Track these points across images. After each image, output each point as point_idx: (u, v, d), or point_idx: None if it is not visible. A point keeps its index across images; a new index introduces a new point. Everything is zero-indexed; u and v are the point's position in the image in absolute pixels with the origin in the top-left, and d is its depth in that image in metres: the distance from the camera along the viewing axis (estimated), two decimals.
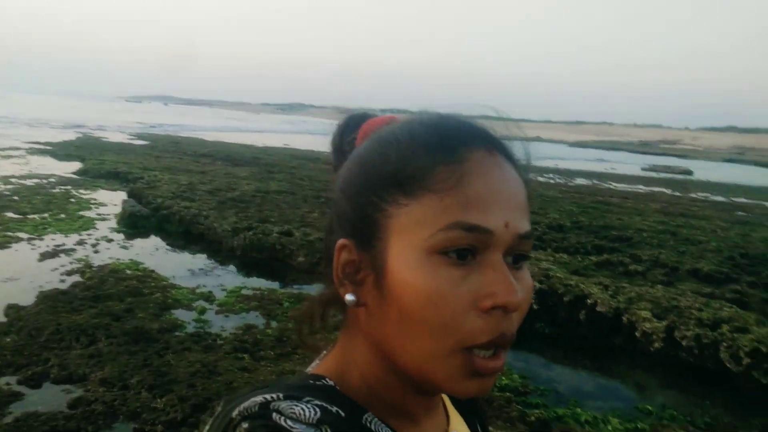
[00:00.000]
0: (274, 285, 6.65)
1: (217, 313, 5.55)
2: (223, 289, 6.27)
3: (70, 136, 25.89)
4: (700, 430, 3.98)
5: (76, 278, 6.15)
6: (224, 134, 37.27)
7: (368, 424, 0.52)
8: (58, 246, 7.44)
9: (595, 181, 22.92)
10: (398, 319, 0.49)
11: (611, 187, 20.78)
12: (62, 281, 6.04)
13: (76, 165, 15.37)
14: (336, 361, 0.57)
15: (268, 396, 0.48)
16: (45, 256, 6.95)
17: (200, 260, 7.49)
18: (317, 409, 0.48)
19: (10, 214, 9.09)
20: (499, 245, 0.49)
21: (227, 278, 6.79)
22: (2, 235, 7.80)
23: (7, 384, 3.90)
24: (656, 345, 5.02)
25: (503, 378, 4.53)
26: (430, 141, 0.51)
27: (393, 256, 0.49)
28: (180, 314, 5.40)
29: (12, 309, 5.14)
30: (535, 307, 5.78)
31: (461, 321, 0.47)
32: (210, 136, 32.09)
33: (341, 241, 0.53)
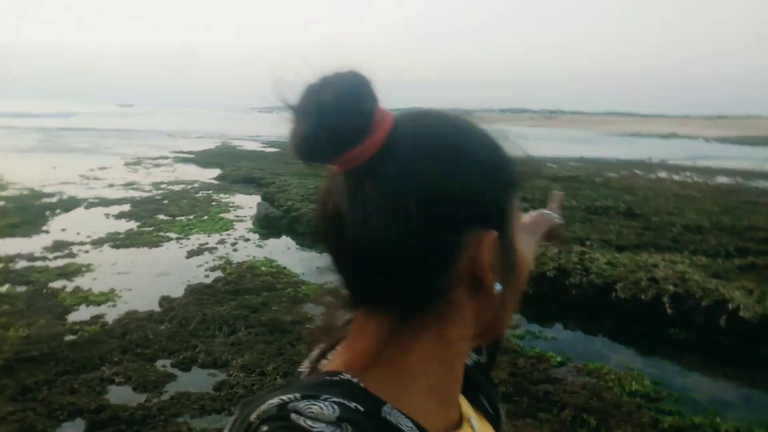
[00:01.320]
0: None
1: None
2: None
3: (210, 145, 28.14)
4: None
5: (218, 274, 6.73)
6: None
7: (387, 417, 0.51)
8: (202, 245, 8.18)
9: (739, 180, 21.01)
10: (515, 291, 0.58)
11: (759, 185, 18.93)
12: (206, 276, 6.65)
13: (216, 171, 16.70)
14: (358, 356, 0.55)
15: (285, 397, 0.49)
16: (191, 253, 7.68)
17: (327, 258, 7.85)
18: (336, 407, 0.48)
19: (161, 216, 10.12)
20: None
21: None
22: (156, 235, 8.72)
23: (163, 366, 4.38)
24: None
25: (633, 383, 4.35)
26: (507, 155, 0.58)
27: (515, 239, 0.57)
28: (310, 308, 5.73)
29: (165, 300, 5.74)
30: (669, 311, 5.47)
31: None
32: None
33: (493, 233, 0.53)
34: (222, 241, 8.45)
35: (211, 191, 13.21)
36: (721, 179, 20.84)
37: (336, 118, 0.48)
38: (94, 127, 43.90)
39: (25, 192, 12.24)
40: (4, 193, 11.93)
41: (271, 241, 8.76)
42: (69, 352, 4.48)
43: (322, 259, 6.56)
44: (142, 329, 4.96)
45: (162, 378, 4.17)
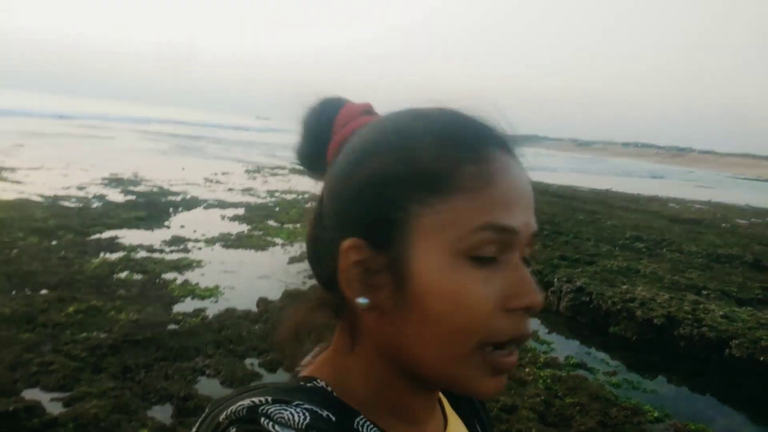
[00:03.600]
0: None
1: None
2: None
3: None
4: None
5: (314, 281, 6.91)
6: None
7: (360, 428, 0.50)
8: (305, 253, 8.44)
9: None
10: (421, 322, 0.48)
11: None
12: (304, 283, 6.82)
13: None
14: (331, 363, 0.55)
15: (256, 399, 0.47)
16: (293, 260, 7.96)
17: None
18: (306, 414, 0.47)
19: (271, 222, 10.61)
20: (521, 245, 0.49)
21: None
22: (264, 239, 9.16)
23: (251, 364, 4.56)
24: None
25: None
26: (455, 138, 0.49)
27: (418, 259, 0.48)
28: None
29: (262, 301, 6.00)
30: None
31: (488, 322, 0.47)
32: None
33: (350, 242, 0.50)
34: None
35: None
36: None
37: (305, 133, 0.60)
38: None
39: (154, 189, 13.34)
40: (137, 189, 13.07)
41: None
42: (169, 340, 4.78)
43: None
44: (237, 327, 5.20)
45: (249, 376, 4.34)
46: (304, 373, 0.56)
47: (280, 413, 0.46)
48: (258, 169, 20.62)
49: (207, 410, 0.50)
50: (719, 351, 5.56)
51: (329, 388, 0.52)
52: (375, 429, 0.51)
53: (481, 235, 0.47)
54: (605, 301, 6.61)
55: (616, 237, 11.42)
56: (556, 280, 7.42)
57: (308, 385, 0.52)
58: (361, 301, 0.50)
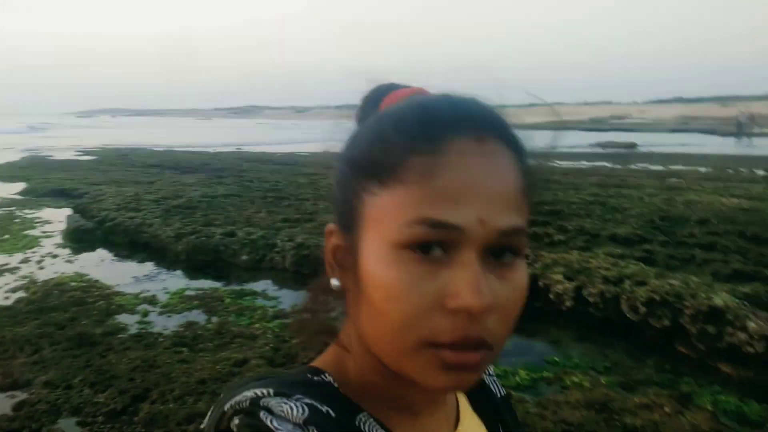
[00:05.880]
0: (219, 284, 6.91)
1: (159, 314, 5.80)
2: (167, 292, 6.50)
3: (14, 156, 25.36)
4: (599, 374, 4.44)
5: (21, 294, 6.30)
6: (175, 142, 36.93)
7: (361, 426, 0.51)
8: (2, 266, 7.54)
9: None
10: (368, 309, 0.49)
11: (554, 165, 21.46)
12: (6, 298, 6.19)
13: (21, 185, 15.22)
14: (336, 353, 0.57)
15: (259, 391, 0.49)
16: None
17: (146, 267, 7.68)
18: (306, 408, 0.48)
19: None
20: (473, 242, 0.46)
21: (172, 282, 7.02)
22: None
23: None
24: (567, 304, 5.50)
25: None
26: (411, 128, 0.48)
27: (364, 246, 0.49)
28: (123, 318, 5.63)
29: None
30: None
31: (423, 318, 0.46)
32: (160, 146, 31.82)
33: (329, 226, 0.54)
34: (26, 260, 7.86)
35: (14, 207, 12.06)
36: None
37: (357, 122, 0.61)
38: None
39: None
40: None
41: (84, 255, 8.31)
42: None
43: (141, 269, 6.48)
44: None
45: None
46: (315, 363, 0.57)
47: (280, 406, 0.47)
48: None
49: (221, 396, 0.53)
50: None
51: (335, 384, 0.53)
52: (377, 426, 0.51)
53: (414, 228, 0.46)
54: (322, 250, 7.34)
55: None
56: (279, 241, 7.93)
57: (315, 378, 0.54)
58: (334, 282, 0.52)
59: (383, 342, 0.49)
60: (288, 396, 0.49)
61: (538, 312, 5.74)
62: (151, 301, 6.18)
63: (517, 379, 4.33)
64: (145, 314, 5.77)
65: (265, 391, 0.49)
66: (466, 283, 0.45)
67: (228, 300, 6.16)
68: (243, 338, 5.05)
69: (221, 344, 4.93)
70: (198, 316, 5.75)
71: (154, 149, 28.48)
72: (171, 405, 3.86)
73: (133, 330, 5.33)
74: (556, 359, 4.73)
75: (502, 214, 0.47)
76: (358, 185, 0.50)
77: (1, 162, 22.43)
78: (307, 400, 0.49)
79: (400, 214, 0.46)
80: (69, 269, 7.43)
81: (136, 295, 6.34)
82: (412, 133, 0.48)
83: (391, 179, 0.47)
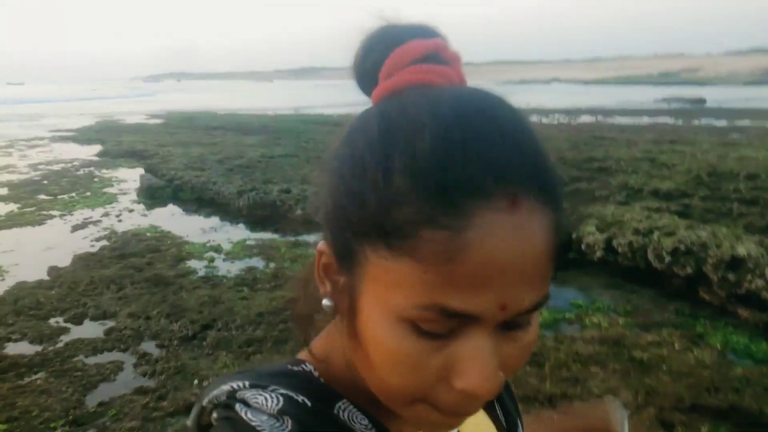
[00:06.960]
0: (276, 236, 7.56)
1: (224, 260, 6.49)
2: (231, 242, 7.20)
3: (89, 121, 27.02)
4: (619, 315, 4.78)
5: (104, 243, 7.14)
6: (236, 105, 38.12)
7: (340, 413, 0.49)
8: (87, 219, 8.47)
9: (600, 117, 23.22)
10: (365, 359, 0.46)
11: (614, 122, 21.11)
12: (92, 246, 7.05)
13: (97, 148, 16.42)
14: (324, 343, 0.54)
15: (235, 384, 0.49)
16: (76, 228, 7.98)
17: (212, 221, 8.44)
18: (280, 398, 0.47)
19: (42, 196, 10.16)
20: (489, 323, 0.41)
21: (234, 233, 7.72)
22: (39, 214, 8.87)
23: (56, 322, 4.90)
24: (598, 254, 5.81)
25: None
26: (430, 187, 0.39)
27: (365, 303, 0.44)
28: (192, 264, 6.35)
29: (53, 269, 6.15)
30: None
31: (425, 390, 0.43)
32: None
33: (322, 247, 0.48)
34: (107, 214, 8.76)
35: (92, 168, 13.17)
36: (585, 118, 22.97)
37: (353, 66, 0.52)
38: None
39: None
40: None
41: (157, 210, 9.16)
42: None
43: (207, 222, 7.26)
44: (33, 295, 5.40)
45: (56, 331, 4.69)
46: (300, 354, 0.56)
47: (255, 398, 0.47)
48: (11, 144, 18.60)
49: (201, 394, 0.53)
50: None
51: (316, 373, 0.52)
52: (357, 414, 0.50)
53: (425, 314, 0.40)
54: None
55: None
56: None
57: (295, 368, 0.52)
58: (326, 303, 0.49)
59: (377, 389, 0.47)
60: (263, 387, 0.48)
61: (571, 262, 6.08)
62: (217, 249, 6.88)
63: (540, 319, 4.72)
64: (212, 260, 6.47)
65: (241, 383, 0.49)
66: (474, 366, 0.41)
67: (284, 249, 6.78)
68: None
69: (277, 285, 5.55)
70: (257, 262, 6.40)
71: (217, 113, 29.61)
72: (233, 332, 4.51)
73: (201, 273, 6.03)
74: (580, 303, 5.09)
75: (529, 295, 0.41)
76: (361, 233, 0.42)
77: (78, 126, 24.05)
78: (282, 391, 0.48)
79: (410, 294, 0.40)
80: (144, 222, 8.27)
81: (203, 244, 7.06)
82: (431, 194, 0.39)
83: (399, 249, 0.40)
